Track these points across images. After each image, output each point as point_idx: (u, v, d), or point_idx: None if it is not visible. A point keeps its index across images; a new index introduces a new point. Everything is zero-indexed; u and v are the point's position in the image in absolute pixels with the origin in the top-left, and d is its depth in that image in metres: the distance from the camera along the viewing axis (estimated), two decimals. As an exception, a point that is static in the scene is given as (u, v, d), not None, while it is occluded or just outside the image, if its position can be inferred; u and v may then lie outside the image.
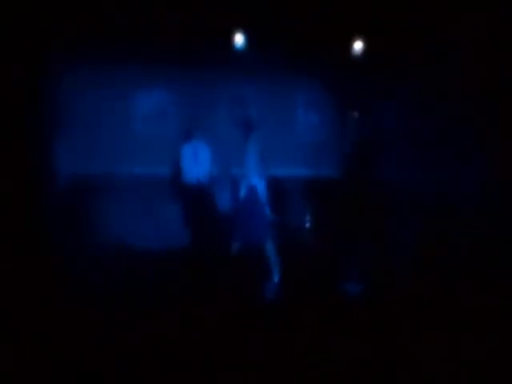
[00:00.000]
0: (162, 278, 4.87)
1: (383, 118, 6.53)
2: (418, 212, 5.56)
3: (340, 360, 3.35)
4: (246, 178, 4.72)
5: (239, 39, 6.35)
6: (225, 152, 5.60)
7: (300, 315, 4.04)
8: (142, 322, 3.78)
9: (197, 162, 5.65)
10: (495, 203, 4.88)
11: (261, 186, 4.74)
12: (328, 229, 5.80)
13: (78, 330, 3.61)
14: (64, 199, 5.72)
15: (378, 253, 5.41)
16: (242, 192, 4.75)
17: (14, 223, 4.86)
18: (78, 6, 5.50)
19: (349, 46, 6.42)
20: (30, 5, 5.19)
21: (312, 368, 3.24)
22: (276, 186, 5.47)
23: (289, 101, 7.07)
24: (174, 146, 5.76)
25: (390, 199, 5.90)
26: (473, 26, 5.17)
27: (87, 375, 3.09)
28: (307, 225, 6.49)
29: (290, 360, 3.34)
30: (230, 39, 6.30)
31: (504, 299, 4.23)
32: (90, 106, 6.29)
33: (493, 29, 4.95)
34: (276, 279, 4.79)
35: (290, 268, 4.91)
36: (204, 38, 6.12)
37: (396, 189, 5.86)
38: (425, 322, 3.89)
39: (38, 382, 3.04)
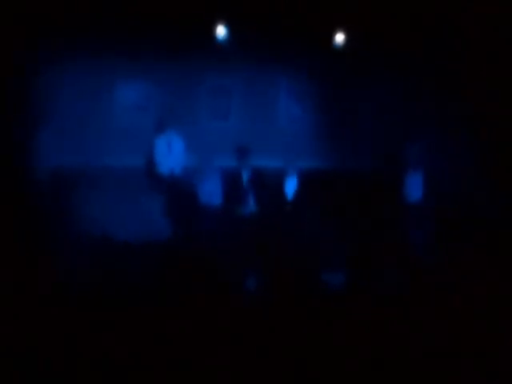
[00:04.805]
0: (142, 269, 4.79)
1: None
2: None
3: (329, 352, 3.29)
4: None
5: (221, 31, 6.32)
6: (202, 143, 5.57)
7: (285, 307, 3.96)
8: (126, 315, 3.68)
9: (171, 154, 5.57)
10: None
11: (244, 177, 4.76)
12: (311, 220, 5.78)
13: (62, 323, 3.50)
14: (45, 191, 5.65)
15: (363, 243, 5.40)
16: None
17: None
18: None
19: (331, 36, 6.41)
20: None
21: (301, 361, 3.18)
22: (258, 177, 5.50)
23: (271, 92, 7.03)
24: (152, 137, 5.69)
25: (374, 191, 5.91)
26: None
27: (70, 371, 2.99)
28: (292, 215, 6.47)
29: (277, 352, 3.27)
30: (212, 31, 6.25)
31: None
32: (70, 98, 6.23)
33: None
34: None
35: (273, 260, 4.88)
36: (186, 29, 6.09)
37: (381, 179, 5.88)
38: (411, 313, 3.85)
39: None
